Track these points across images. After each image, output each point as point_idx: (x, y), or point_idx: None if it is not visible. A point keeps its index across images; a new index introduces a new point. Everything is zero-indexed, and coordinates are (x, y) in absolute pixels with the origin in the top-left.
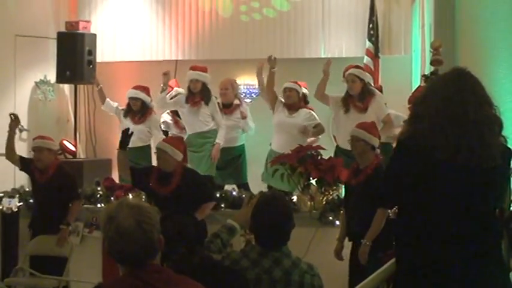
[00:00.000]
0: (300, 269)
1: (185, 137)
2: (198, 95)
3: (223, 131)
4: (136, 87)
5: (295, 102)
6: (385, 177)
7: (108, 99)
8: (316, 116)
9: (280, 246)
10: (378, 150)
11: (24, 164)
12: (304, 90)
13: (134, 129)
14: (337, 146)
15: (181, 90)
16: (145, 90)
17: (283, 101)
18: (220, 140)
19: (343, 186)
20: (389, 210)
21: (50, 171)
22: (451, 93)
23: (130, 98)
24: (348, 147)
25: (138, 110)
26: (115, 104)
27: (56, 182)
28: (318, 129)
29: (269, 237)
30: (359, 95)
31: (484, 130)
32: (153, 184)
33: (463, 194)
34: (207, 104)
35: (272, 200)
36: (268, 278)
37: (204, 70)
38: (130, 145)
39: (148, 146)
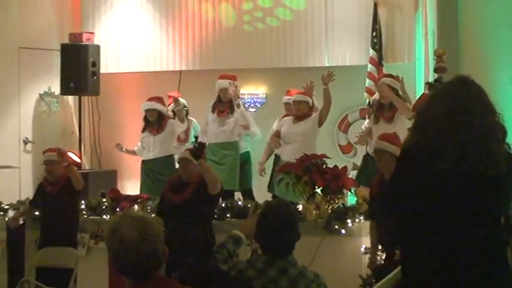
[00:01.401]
0: (306, 278)
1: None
2: (226, 104)
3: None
4: (151, 99)
5: (305, 113)
6: (388, 186)
7: (136, 149)
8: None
9: (285, 255)
10: None
11: (34, 203)
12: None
13: (154, 140)
14: (367, 154)
15: (183, 101)
16: (160, 100)
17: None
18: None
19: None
20: None
21: (60, 182)
22: (454, 102)
23: (147, 110)
24: None
25: (155, 121)
26: (139, 143)
27: (66, 190)
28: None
29: (274, 246)
30: (390, 104)
31: (489, 138)
32: (166, 191)
33: (467, 203)
34: (232, 112)
35: (277, 209)
36: None
37: (234, 78)
38: (152, 156)
39: (172, 156)
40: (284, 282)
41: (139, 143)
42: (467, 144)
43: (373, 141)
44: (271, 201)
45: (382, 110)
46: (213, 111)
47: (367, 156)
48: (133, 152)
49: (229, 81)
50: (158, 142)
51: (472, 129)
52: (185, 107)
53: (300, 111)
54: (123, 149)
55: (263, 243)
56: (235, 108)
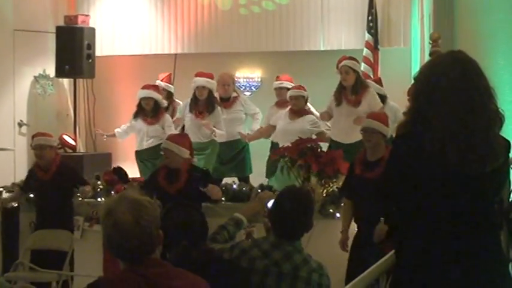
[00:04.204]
0: (309, 266)
1: None
2: (203, 103)
3: (224, 132)
4: (146, 87)
5: (302, 108)
6: (385, 175)
7: (117, 131)
8: (320, 123)
9: (293, 240)
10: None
11: (26, 188)
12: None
13: (148, 130)
14: (331, 140)
15: (171, 87)
16: (156, 89)
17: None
18: (218, 135)
19: (344, 177)
20: None
21: (52, 167)
22: (458, 100)
23: (143, 99)
24: (340, 139)
25: (150, 110)
26: (125, 127)
27: (60, 177)
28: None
29: (286, 227)
30: (352, 87)
31: (490, 135)
32: (161, 182)
33: (464, 191)
34: (210, 114)
35: (299, 191)
36: (276, 271)
37: (211, 77)
38: (147, 146)
39: None
40: (287, 267)
41: (123, 125)
42: (471, 147)
43: (335, 123)
44: (294, 185)
45: (344, 92)
46: (190, 111)
47: (330, 142)
48: (113, 135)
49: (208, 79)
50: (153, 132)
51: (476, 129)
52: (169, 91)
53: (297, 106)
54: (104, 136)
55: (275, 223)
56: (215, 107)
